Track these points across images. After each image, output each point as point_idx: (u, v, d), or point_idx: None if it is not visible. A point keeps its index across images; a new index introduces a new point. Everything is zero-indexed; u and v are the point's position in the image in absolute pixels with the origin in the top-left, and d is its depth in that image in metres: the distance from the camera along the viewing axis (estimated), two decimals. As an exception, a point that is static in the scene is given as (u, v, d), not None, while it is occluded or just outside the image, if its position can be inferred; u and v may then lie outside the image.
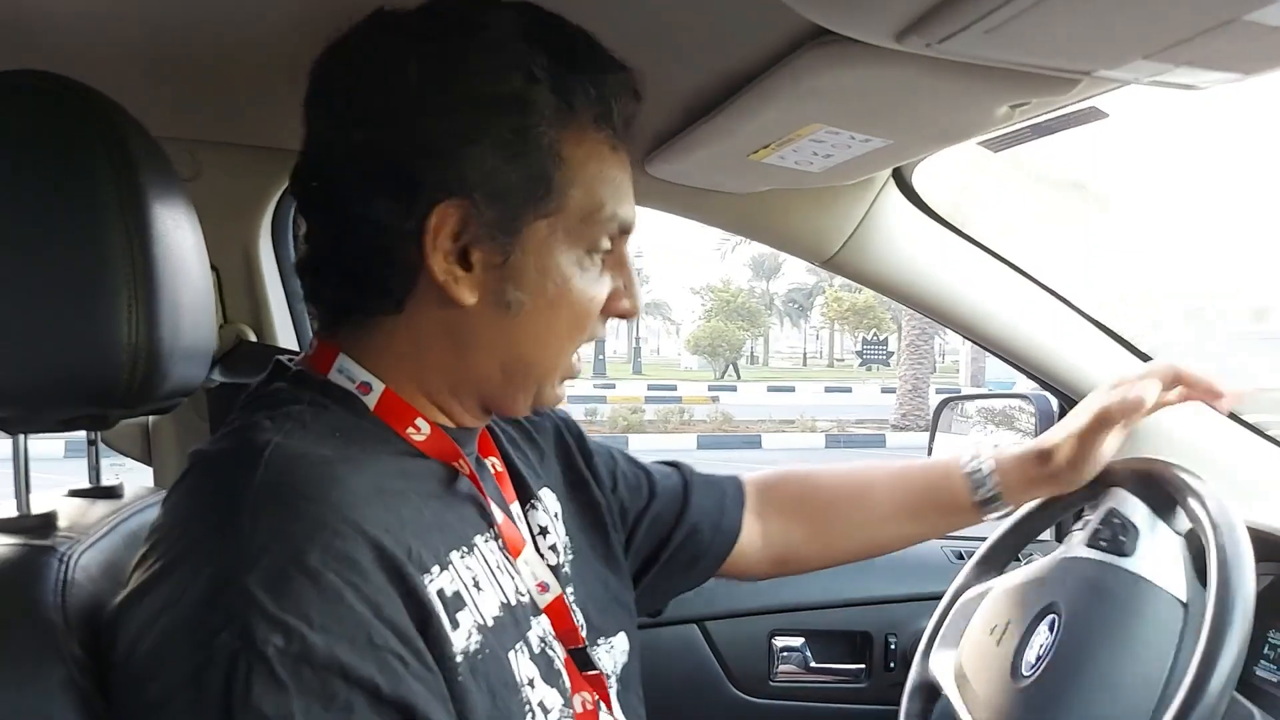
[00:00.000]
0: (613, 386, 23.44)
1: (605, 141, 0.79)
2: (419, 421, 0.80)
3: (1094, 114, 1.03)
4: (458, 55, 0.74)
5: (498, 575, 0.80)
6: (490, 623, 0.75)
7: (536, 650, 0.80)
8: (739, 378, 27.67)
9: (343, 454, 0.72)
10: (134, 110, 0.83)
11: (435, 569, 0.72)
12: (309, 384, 0.79)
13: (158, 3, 0.89)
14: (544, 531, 0.93)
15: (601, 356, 28.21)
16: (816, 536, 1.19)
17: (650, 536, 1.09)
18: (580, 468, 1.05)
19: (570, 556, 0.94)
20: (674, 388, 23.73)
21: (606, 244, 0.81)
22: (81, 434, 0.93)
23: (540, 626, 0.83)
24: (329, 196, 0.77)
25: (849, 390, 24.27)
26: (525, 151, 0.75)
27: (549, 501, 0.96)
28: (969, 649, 1.13)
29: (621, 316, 0.85)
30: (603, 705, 0.86)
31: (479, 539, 0.80)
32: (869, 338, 27.60)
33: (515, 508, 0.91)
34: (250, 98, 1.15)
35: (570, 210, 0.77)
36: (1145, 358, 1.53)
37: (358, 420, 0.77)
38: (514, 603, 0.80)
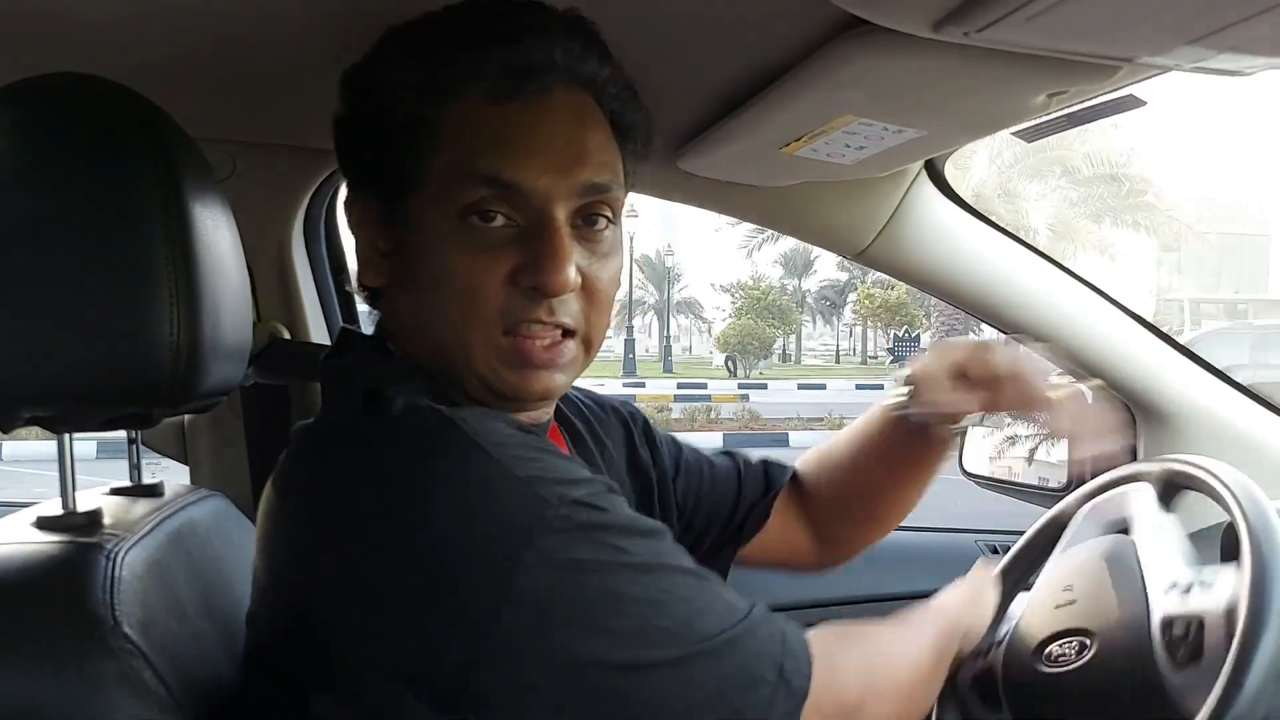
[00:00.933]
0: (642, 385, 23.41)
1: (479, 98, 0.76)
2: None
3: (1131, 102, 1.02)
4: (355, 70, 0.82)
5: None
6: None
7: None
8: (746, 376, 27.52)
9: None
10: (173, 112, 0.84)
11: None
12: (391, 360, 0.83)
13: (194, 5, 0.89)
14: None
15: (631, 355, 28.14)
16: (848, 517, 1.21)
17: (710, 523, 1.14)
18: (642, 455, 1.08)
19: None
20: (704, 385, 23.64)
21: (494, 207, 0.76)
22: (112, 434, 0.94)
23: None
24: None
25: (880, 387, 23.90)
26: (386, 132, 0.79)
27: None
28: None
29: (535, 291, 0.76)
30: None
31: None
32: (900, 334, 27.39)
33: None
34: (284, 98, 1.15)
35: (435, 177, 0.77)
36: (1178, 346, 1.52)
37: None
38: None
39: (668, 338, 34.78)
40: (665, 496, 1.09)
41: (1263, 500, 0.93)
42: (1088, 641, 0.99)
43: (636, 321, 39.27)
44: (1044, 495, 1.55)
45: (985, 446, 1.74)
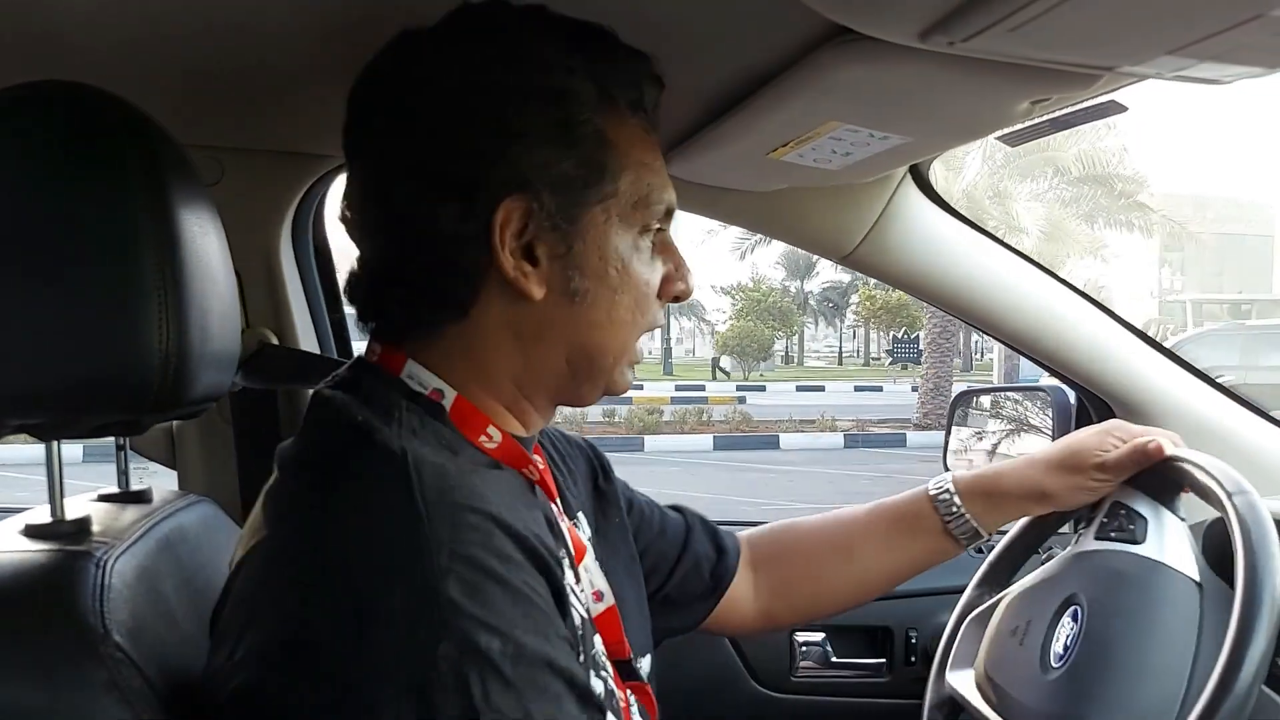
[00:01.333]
0: (640, 387, 23.30)
1: (641, 126, 0.83)
2: (490, 429, 0.81)
3: (1113, 107, 1.03)
4: (492, 58, 0.77)
5: (574, 587, 0.82)
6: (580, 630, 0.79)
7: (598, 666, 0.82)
8: (745, 378, 27.35)
9: (458, 464, 0.74)
10: (159, 118, 0.84)
11: (562, 572, 0.75)
12: (394, 385, 0.80)
13: (182, 12, 0.89)
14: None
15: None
16: (804, 586, 1.20)
17: (654, 570, 1.11)
18: (605, 491, 1.07)
19: (609, 602, 0.95)
20: (701, 388, 23.38)
21: (656, 228, 0.84)
22: (99, 439, 0.93)
23: (597, 644, 0.84)
24: (388, 216, 0.79)
25: (879, 389, 23.92)
26: (574, 141, 0.77)
27: (583, 523, 0.98)
28: (992, 654, 1.13)
29: (677, 299, 0.87)
30: (647, 715, 0.88)
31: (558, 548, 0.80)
32: (899, 335, 27.30)
33: (564, 521, 0.91)
34: (272, 103, 1.15)
35: (623, 194, 0.80)
36: (1160, 348, 1.53)
37: (443, 427, 0.78)
38: (581, 618, 0.81)
39: (668, 340, 34.66)
40: (631, 534, 1.08)
41: (1254, 495, 0.94)
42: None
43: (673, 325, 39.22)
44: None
45: (968, 447, 1.76)
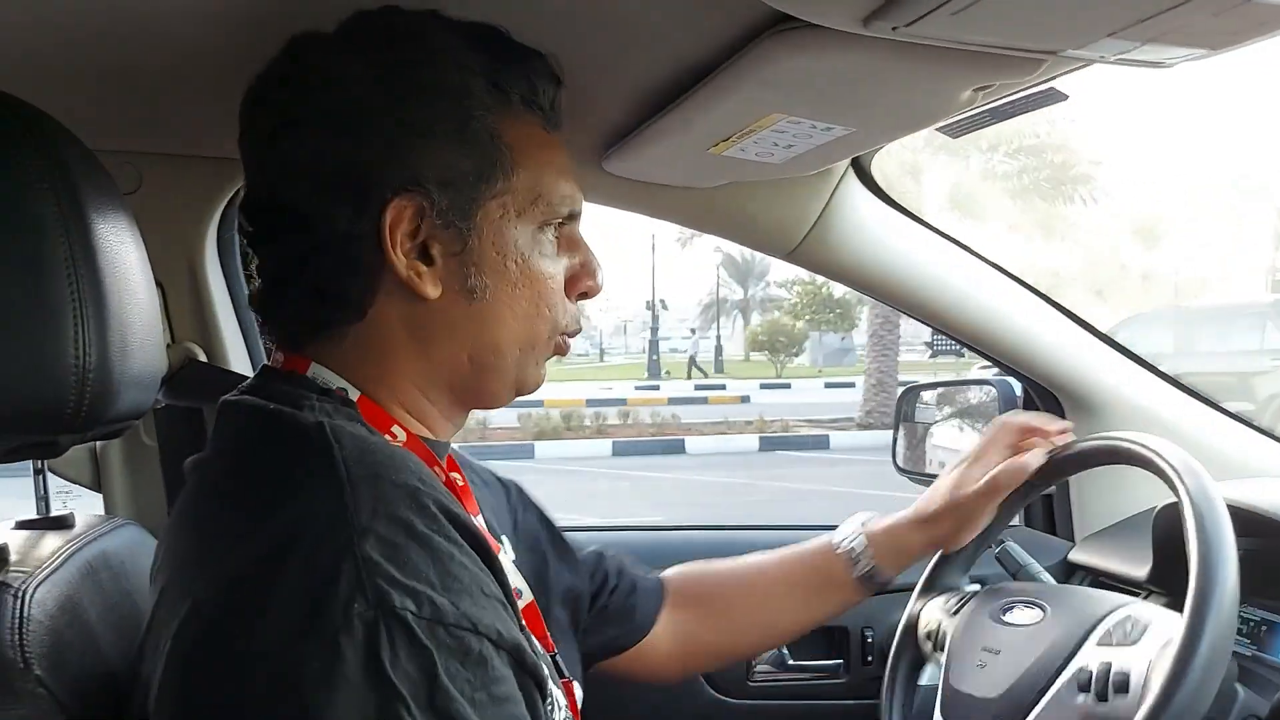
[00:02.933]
0: (656, 388, 22.81)
1: (538, 124, 0.83)
2: (395, 429, 0.80)
3: (1054, 95, 1.03)
4: (390, 57, 0.77)
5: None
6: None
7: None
8: (703, 375, 27.21)
9: (376, 438, 0.75)
10: (68, 123, 0.80)
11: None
12: (302, 382, 0.80)
13: (88, 13, 0.85)
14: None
15: (656, 357, 27.95)
16: (717, 628, 1.21)
17: (601, 588, 1.13)
18: (532, 526, 1.08)
19: (529, 599, 0.95)
20: (723, 387, 22.92)
21: (557, 223, 0.84)
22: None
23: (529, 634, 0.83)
24: (284, 219, 0.78)
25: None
26: (466, 138, 0.78)
27: (507, 546, 0.98)
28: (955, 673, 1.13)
29: (585, 295, 0.88)
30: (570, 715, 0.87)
31: None
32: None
33: (478, 519, 0.91)
34: (189, 108, 1.11)
35: (519, 190, 0.81)
36: (1105, 338, 1.54)
37: (355, 413, 0.78)
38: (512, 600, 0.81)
39: (718, 337, 34.30)
40: (551, 570, 1.07)
41: (1205, 476, 0.94)
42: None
43: (724, 321, 39.29)
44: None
45: (916, 445, 1.76)
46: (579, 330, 0.88)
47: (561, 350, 0.87)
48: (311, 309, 0.79)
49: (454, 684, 0.62)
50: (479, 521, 0.85)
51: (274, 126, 0.79)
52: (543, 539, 1.08)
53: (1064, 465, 1.13)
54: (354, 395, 0.80)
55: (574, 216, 0.86)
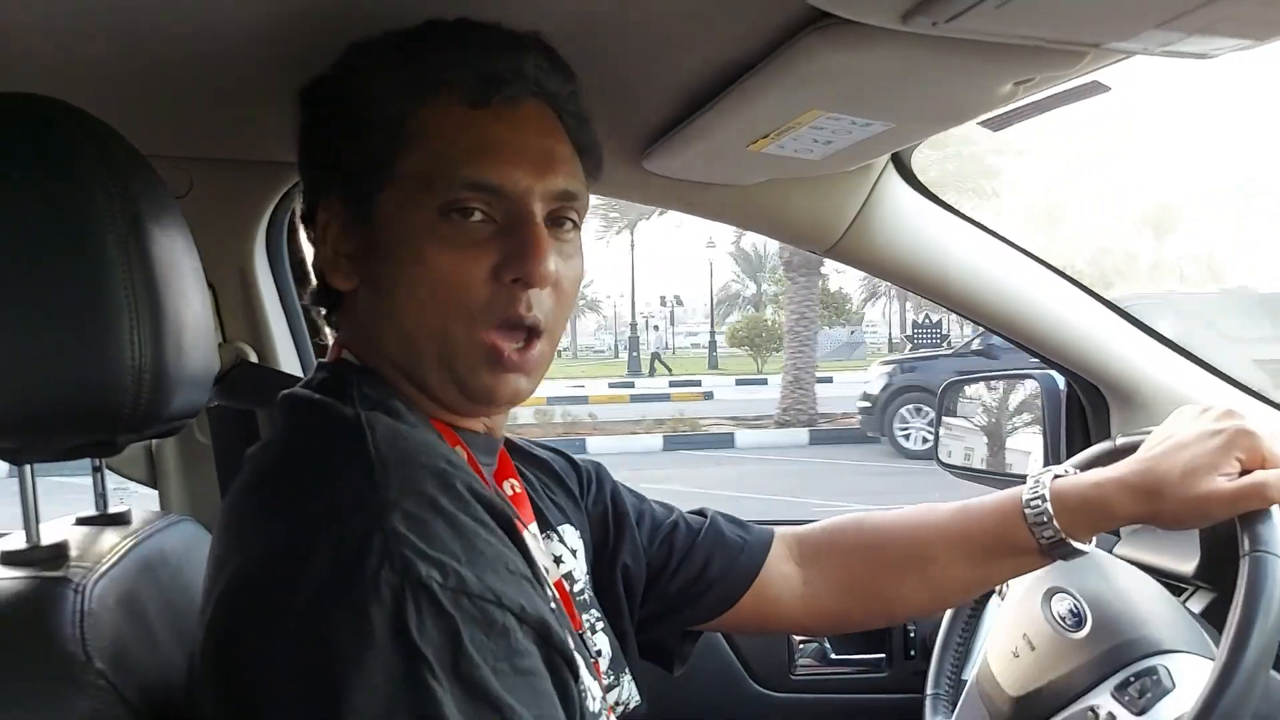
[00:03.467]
0: (631, 385, 22.78)
1: (456, 103, 0.80)
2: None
3: (1096, 88, 1.02)
4: (331, 76, 0.84)
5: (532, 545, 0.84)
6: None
7: None
8: (669, 371, 26.88)
9: (410, 423, 0.78)
10: (124, 130, 0.82)
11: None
12: (343, 365, 0.85)
13: (143, 22, 0.87)
14: (559, 560, 0.95)
15: (635, 354, 28.09)
16: (876, 597, 1.12)
17: (664, 566, 1.09)
18: (606, 505, 1.08)
19: (589, 592, 0.97)
20: (698, 383, 22.95)
21: (473, 205, 0.79)
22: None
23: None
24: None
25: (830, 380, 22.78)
26: (358, 133, 0.81)
27: (570, 537, 0.99)
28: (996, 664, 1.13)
29: (518, 283, 0.79)
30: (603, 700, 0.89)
31: None
32: (919, 320, 26.70)
33: (534, 527, 0.92)
34: (239, 113, 1.13)
35: (408, 175, 0.80)
36: (1150, 331, 1.52)
37: (391, 389, 0.83)
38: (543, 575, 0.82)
39: (712, 333, 34.26)
40: (630, 553, 1.07)
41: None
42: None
43: (734, 316, 39.13)
44: (1013, 482, 1.56)
45: (959, 438, 1.75)
46: (516, 323, 0.80)
47: (500, 355, 0.80)
48: (319, 300, 0.89)
49: (478, 653, 0.64)
50: (532, 530, 0.88)
51: (303, 124, 0.87)
52: (610, 516, 1.07)
53: (1111, 459, 1.12)
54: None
55: (491, 191, 0.79)
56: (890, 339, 38.50)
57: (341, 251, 0.83)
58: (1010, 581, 1.16)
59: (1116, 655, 1.02)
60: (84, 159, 0.75)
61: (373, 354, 0.84)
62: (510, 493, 0.92)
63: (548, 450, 1.09)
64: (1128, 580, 1.20)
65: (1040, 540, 1.01)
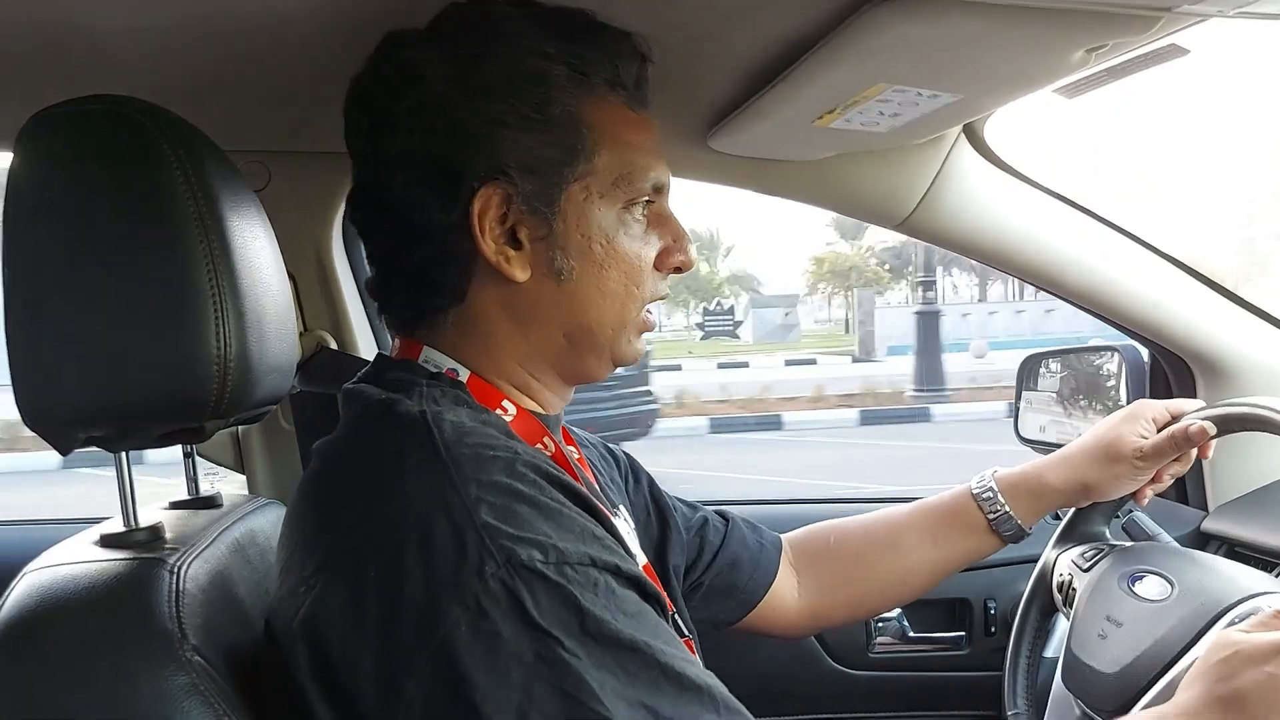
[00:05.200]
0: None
1: (622, 104, 0.85)
2: (505, 404, 0.85)
3: (1174, 51, 0.99)
4: (470, 50, 0.80)
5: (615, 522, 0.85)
6: None
7: None
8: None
9: (475, 419, 0.78)
10: (204, 127, 0.85)
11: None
12: (413, 368, 0.84)
13: (218, 22, 0.89)
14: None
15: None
16: (850, 587, 1.22)
17: (696, 560, 1.15)
18: (643, 498, 1.12)
19: (644, 561, 0.98)
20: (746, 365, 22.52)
21: (644, 202, 0.85)
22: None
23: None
24: (382, 212, 0.84)
25: (813, 362, 22.38)
26: (548, 124, 0.80)
27: (624, 514, 1.01)
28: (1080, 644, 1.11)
29: (678, 270, 0.90)
30: None
31: None
32: (710, 307, 25.24)
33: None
34: (312, 105, 1.15)
35: (601, 171, 0.82)
36: (1239, 300, 1.48)
37: (463, 394, 0.82)
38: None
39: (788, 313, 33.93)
40: (670, 542, 1.12)
41: None
42: None
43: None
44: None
45: (1038, 414, 1.72)
46: (659, 300, 0.90)
47: (649, 326, 0.89)
48: (414, 294, 0.85)
49: (596, 608, 0.66)
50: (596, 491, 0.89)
51: (370, 123, 0.83)
52: (652, 511, 1.12)
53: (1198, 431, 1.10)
54: (464, 375, 0.84)
55: (659, 191, 0.87)
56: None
57: (514, 242, 0.81)
58: (1075, 586, 1.15)
59: (1213, 602, 1.00)
60: (165, 156, 0.78)
61: (494, 346, 0.85)
62: (576, 456, 0.95)
63: (581, 434, 1.11)
64: (1206, 555, 1.18)
65: (989, 516, 1.17)
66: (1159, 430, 1.13)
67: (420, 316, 0.86)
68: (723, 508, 1.23)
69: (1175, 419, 1.13)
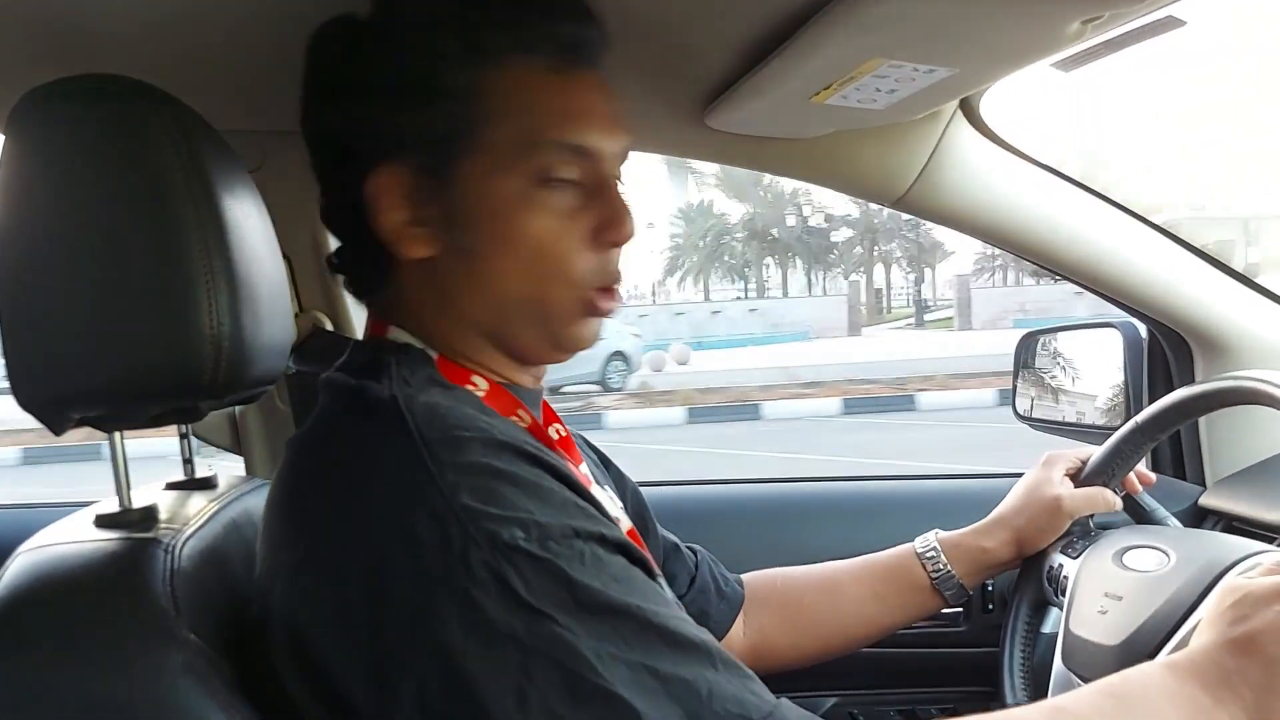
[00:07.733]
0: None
1: (543, 69, 0.80)
2: (475, 379, 0.83)
3: (1171, 23, 0.98)
4: (361, 30, 0.81)
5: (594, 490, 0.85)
6: None
7: None
8: None
9: (448, 398, 0.77)
10: (198, 107, 0.84)
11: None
12: (383, 345, 0.84)
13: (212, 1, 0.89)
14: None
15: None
16: (790, 631, 1.23)
17: (672, 583, 1.14)
18: (629, 500, 1.12)
19: (629, 525, 0.98)
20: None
21: (566, 172, 0.80)
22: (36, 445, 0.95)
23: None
24: (319, 192, 0.86)
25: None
26: (435, 98, 0.78)
27: (612, 498, 1.02)
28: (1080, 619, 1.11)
29: (613, 245, 0.83)
30: None
31: None
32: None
33: (585, 467, 0.96)
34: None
35: (500, 144, 0.79)
36: (1237, 275, 1.47)
37: (433, 372, 0.81)
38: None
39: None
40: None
41: None
42: None
43: None
44: (1092, 433, 1.53)
45: (1037, 390, 1.72)
46: (615, 282, 0.84)
47: (597, 309, 0.84)
48: (355, 270, 0.87)
49: (584, 578, 0.66)
50: (583, 469, 0.90)
51: (305, 107, 0.85)
52: (633, 511, 1.11)
53: (1192, 406, 1.10)
54: (432, 354, 0.83)
55: (588, 156, 0.81)
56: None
57: (417, 219, 0.80)
58: (1066, 574, 1.16)
59: (1213, 564, 1.00)
60: (158, 135, 0.77)
61: (442, 321, 0.83)
62: (556, 437, 0.94)
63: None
64: (1195, 530, 1.19)
65: (931, 574, 1.21)
66: (1071, 477, 1.22)
67: (369, 292, 0.87)
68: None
69: (1084, 464, 1.22)
